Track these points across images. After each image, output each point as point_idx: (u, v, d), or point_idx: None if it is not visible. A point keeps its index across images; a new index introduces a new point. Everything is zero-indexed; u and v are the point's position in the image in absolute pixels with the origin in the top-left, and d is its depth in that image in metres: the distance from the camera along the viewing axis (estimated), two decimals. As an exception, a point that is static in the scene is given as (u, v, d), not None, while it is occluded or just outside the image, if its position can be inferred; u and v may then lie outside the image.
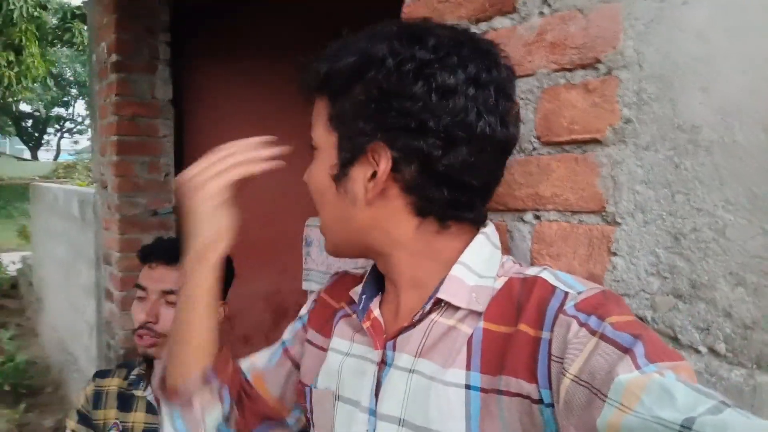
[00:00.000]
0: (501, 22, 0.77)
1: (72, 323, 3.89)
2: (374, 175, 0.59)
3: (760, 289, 0.54)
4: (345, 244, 0.67)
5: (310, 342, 0.76)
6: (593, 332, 0.49)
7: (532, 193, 0.75)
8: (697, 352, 0.59)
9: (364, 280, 0.71)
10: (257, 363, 0.81)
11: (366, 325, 0.66)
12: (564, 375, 0.48)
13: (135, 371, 1.36)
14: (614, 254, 0.66)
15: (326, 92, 0.63)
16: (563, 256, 0.71)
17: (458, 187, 0.59)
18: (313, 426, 0.70)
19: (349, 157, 0.60)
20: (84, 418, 1.35)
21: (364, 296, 0.68)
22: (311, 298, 0.81)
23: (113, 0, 2.42)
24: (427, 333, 0.60)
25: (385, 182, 0.59)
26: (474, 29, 0.81)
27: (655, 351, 0.46)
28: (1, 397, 3.97)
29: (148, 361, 1.32)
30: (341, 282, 0.78)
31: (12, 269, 7.37)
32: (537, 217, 0.75)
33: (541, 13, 0.72)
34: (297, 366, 0.78)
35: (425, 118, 0.56)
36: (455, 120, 0.56)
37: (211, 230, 0.67)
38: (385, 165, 0.58)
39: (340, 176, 0.62)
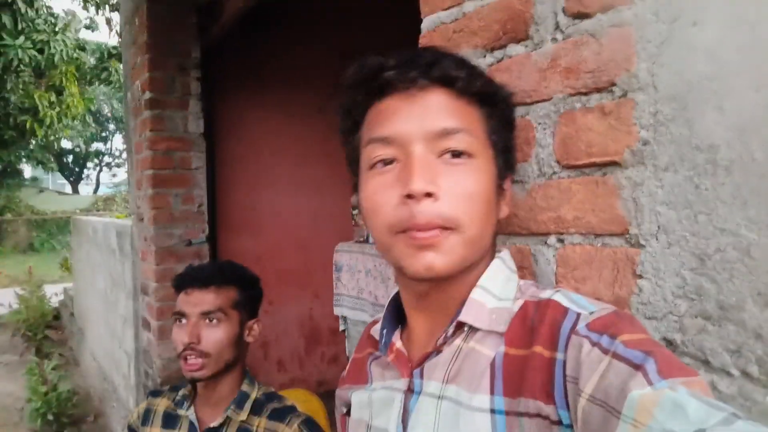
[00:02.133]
0: (515, 50, 0.78)
1: (111, 353, 3.98)
2: (502, 194, 0.66)
3: (789, 310, 0.53)
4: (469, 263, 0.62)
5: (340, 402, 0.78)
6: (606, 351, 0.49)
7: (554, 216, 0.75)
8: (729, 375, 0.58)
9: (382, 317, 0.72)
10: None
11: (390, 357, 0.67)
12: (580, 395, 0.48)
13: (182, 392, 1.41)
14: (640, 277, 0.65)
15: (479, 105, 0.63)
16: (588, 280, 0.71)
17: None
18: None
19: (503, 173, 0.65)
20: None
21: (384, 331, 0.70)
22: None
23: (146, 41, 2.53)
24: (454, 359, 0.61)
25: None
26: (489, 57, 0.82)
27: (667, 367, 0.45)
28: (46, 427, 4.07)
29: (194, 383, 1.36)
30: (366, 333, 0.79)
31: (54, 301, 7.60)
32: (560, 241, 0.75)
33: (554, 39, 0.73)
34: None
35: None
36: None
37: None
38: (510, 186, 0.67)
39: (498, 190, 0.64)
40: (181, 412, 1.37)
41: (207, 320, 1.31)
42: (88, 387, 4.85)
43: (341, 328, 2.77)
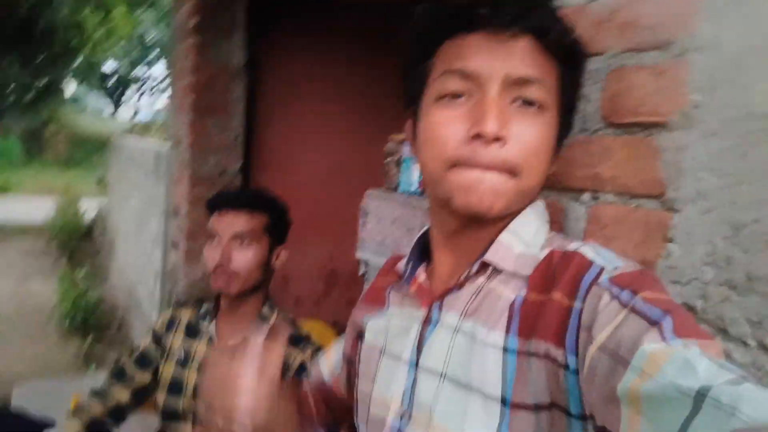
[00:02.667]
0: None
1: (139, 269, 4.13)
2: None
3: (818, 286, 0.52)
4: (526, 202, 0.64)
5: (353, 325, 0.81)
6: (624, 305, 0.49)
7: (591, 174, 0.75)
8: (746, 345, 0.58)
9: (409, 252, 0.73)
10: (324, 374, 0.85)
11: (413, 288, 0.69)
12: (591, 343, 0.49)
13: (206, 306, 1.48)
14: (670, 240, 0.65)
15: (559, 59, 0.62)
16: (617, 239, 0.71)
17: None
18: (359, 376, 0.74)
19: (565, 132, 0.65)
20: (157, 339, 1.49)
21: (410, 265, 0.71)
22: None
23: (197, -35, 2.51)
24: (474, 295, 0.62)
25: None
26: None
27: (683, 326, 0.46)
28: (71, 329, 4.30)
29: (218, 299, 1.42)
30: (389, 264, 0.81)
31: (89, 215, 7.86)
32: (594, 198, 0.75)
33: (618, -9, 0.70)
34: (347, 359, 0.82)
35: None
36: None
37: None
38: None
39: (558, 146, 0.64)
40: (204, 324, 1.44)
41: (239, 241, 1.35)
42: (114, 299, 5.06)
43: (361, 271, 2.83)
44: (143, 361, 1.45)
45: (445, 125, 0.60)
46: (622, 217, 0.71)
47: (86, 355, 3.94)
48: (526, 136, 0.58)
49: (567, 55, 0.62)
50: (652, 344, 0.44)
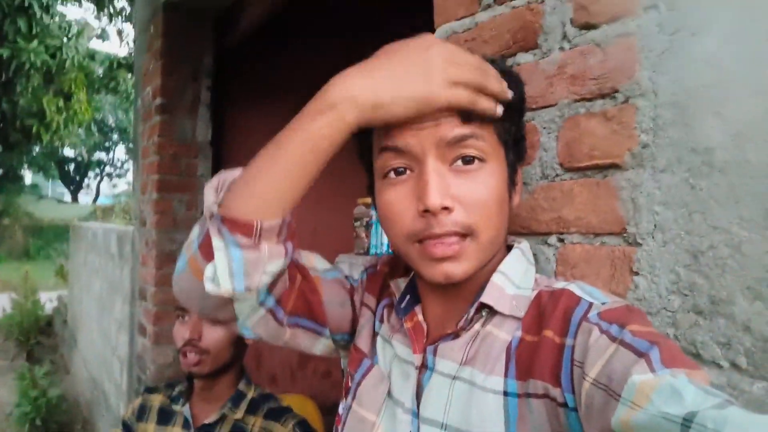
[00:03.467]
0: (524, 58, 0.82)
1: (103, 359, 3.96)
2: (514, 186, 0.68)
3: (777, 303, 0.56)
4: (494, 251, 0.64)
5: (366, 305, 0.78)
6: (614, 339, 0.51)
7: (555, 217, 0.78)
8: (719, 367, 0.60)
9: (409, 279, 0.73)
10: (316, 265, 0.78)
11: (408, 325, 0.68)
12: (584, 379, 0.50)
13: (178, 388, 1.43)
14: (636, 273, 0.68)
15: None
16: (587, 278, 0.74)
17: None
18: (354, 397, 0.71)
19: (514, 168, 0.67)
20: (128, 429, 1.43)
21: (407, 296, 0.71)
22: (364, 265, 0.82)
23: (160, 48, 2.59)
24: (472, 342, 0.63)
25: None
26: (499, 65, 0.86)
27: (671, 357, 0.47)
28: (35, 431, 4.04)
29: (190, 380, 1.38)
30: (381, 270, 0.80)
31: (48, 307, 7.56)
32: (561, 240, 0.78)
33: (562, 48, 0.77)
34: (353, 302, 0.78)
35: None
36: None
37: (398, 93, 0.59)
38: (521, 177, 0.70)
39: (511, 186, 0.66)
40: (176, 407, 1.38)
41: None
42: (77, 394, 4.81)
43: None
44: None
45: (395, 204, 0.62)
46: (588, 255, 0.74)
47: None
48: (472, 195, 0.60)
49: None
50: (641, 375, 0.45)
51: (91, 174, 30.29)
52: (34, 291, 7.74)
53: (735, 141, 0.59)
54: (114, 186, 32.13)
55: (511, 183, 0.66)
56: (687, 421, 0.39)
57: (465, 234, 0.59)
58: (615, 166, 0.71)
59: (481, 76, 0.61)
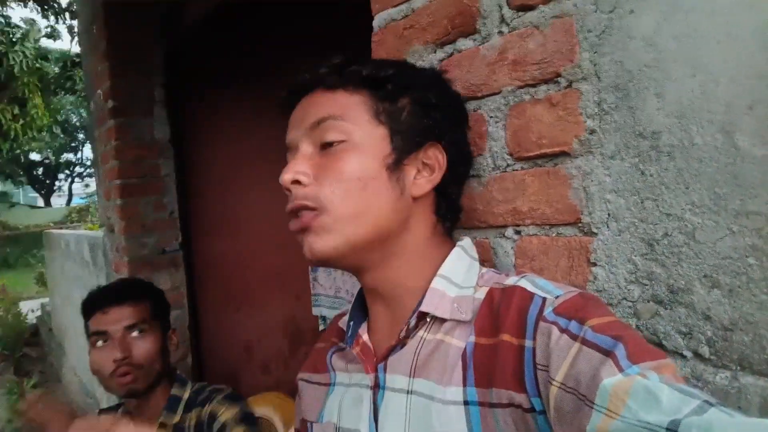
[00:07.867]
0: (464, 44, 0.78)
1: (92, 367, 3.91)
2: (423, 171, 0.65)
3: (734, 290, 0.54)
4: (360, 242, 0.62)
5: (306, 381, 0.77)
6: (575, 337, 0.49)
7: (510, 209, 0.75)
8: (683, 357, 0.59)
9: (350, 307, 0.71)
10: None
11: (356, 350, 0.67)
12: (551, 383, 0.49)
13: (121, 409, 1.41)
14: (594, 264, 0.66)
15: (367, 90, 0.64)
16: (546, 270, 0.71)
17: (459, 195, 0.72)
18: None
19: (405, 150, 0.64)
20: None
21: (352, 323, 0.69)
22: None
23: (105, 49, 2.48)
24: (418, 351, 0.61)
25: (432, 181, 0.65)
26: (440, 52, 0.82)
27: (636, 351, 0.46)
28: (28, 447, 4.00)
29: (135, 395, 1.34)
30: (333, 323, 0.79)
31: (32, 317, 7.45)
32: (518, 232, 0.75)
33: (501, 33, 0.73)
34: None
35: (465, 130, 0.74)
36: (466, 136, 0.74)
37: None
38: (441, 164, 0.66)
39: (395, 167, 0.63)
40: None
41: (132, 333, 1.31)
42: (70, 403, 4.76)
43: (320, 327, 2.77)
44: None
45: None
46: (546, 247, 0.71)
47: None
48: (328, 170, 0.61)
49: (367, 82, 0.64)
50: (611, 378, 0.44)
51: (61, 176, 29.64)
52: (15, 302, 7.61)
53: (680, 123, 0.56)
54: (86, 186, 31.53)
55: (396, 165, 0.63)
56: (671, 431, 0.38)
57: (314, 207, 0.61)
58: (564, 154, 0.68)
59: None
